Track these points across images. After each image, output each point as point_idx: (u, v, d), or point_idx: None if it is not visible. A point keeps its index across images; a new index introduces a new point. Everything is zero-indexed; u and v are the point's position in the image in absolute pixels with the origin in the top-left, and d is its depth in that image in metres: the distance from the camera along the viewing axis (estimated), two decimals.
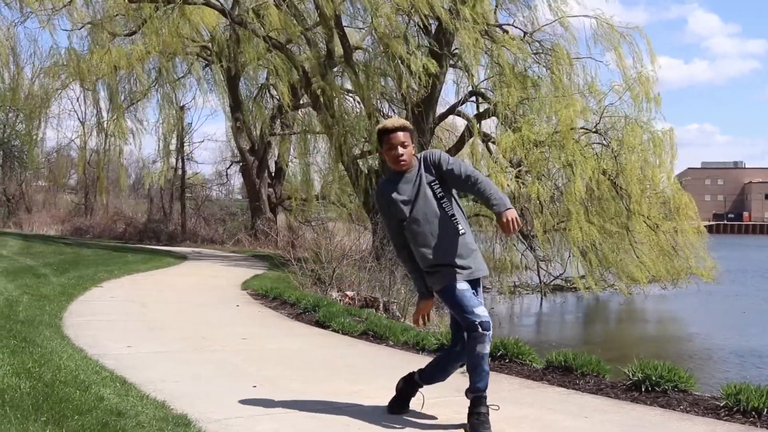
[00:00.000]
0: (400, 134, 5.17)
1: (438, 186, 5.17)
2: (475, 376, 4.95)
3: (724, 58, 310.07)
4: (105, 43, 27.14)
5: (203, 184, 42.80)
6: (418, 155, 5.34)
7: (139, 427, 4.59)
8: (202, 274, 18.00)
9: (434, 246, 5.10)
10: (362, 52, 23.56)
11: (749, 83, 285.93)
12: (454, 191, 5.26)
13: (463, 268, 5.09)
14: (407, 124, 5.31)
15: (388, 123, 5.30)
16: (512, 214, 4.91)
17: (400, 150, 5.16)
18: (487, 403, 4.98)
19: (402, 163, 5.18)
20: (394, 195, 5.19)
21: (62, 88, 32.38)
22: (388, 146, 5.19)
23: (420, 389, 5.50)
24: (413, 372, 5.51)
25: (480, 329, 4.85)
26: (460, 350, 5.19)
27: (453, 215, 5.14)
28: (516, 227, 4.91)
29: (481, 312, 4.92)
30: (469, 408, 5.00)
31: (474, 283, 5.16)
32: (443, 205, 5.15)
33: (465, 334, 5.01)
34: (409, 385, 5.50)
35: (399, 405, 5.49)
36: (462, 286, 5.03)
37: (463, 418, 5.02)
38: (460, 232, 5.12)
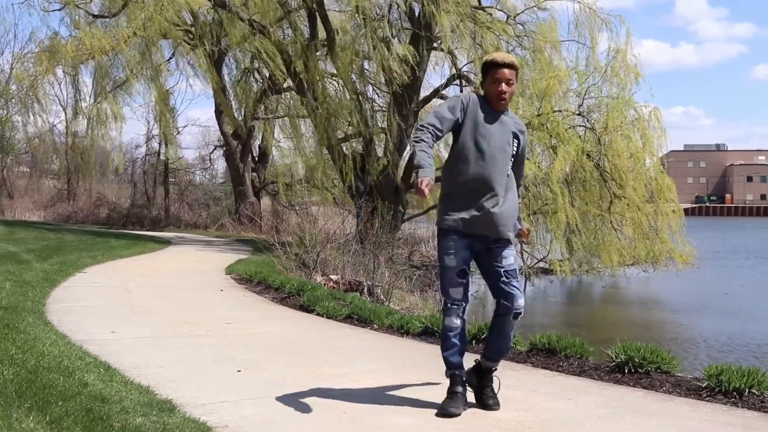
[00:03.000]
0: (507, 71, 4.99)
1: (517, 145, 5.12)
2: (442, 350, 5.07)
3: (710, 41, 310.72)
4: (85, 25, 26.89)
5: (187, 168, 42.64)
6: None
7: (123, 412, 4.58)
8: (186, 259, 17.96)
9: (475, 185, 4.98)
10: (345, 35, 23.43)
11: (735, 67, 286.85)
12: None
13: (471, 225, 4.98)
14: (516, 61, 5.14)
15: (498, 56, 5.10)
16: None
17: (504, 87, 5.00)
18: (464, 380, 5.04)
19: (503, 100, 5.03)
20: (479, 115, 5.01)
21: (45, 72, 32.09)
22: (492, 80, 5.01)
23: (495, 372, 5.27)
24: (477, 362, 5.27)
25: (448, 304, 4.97)
26: (499, 309, 5.08)
27: (509, 175, 5.09)
28: None
29: (454, 294, 4.95)
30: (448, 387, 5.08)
31: (485, 240, 5.04)
32: (509, 163, 5.08)
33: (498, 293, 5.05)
34: (479, 376, 5.24)
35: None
36: (451, 262, 4.97)
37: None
38: (499, 194, 5.00)
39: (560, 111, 20.68)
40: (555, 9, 22.42)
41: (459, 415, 4.90)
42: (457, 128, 5.02)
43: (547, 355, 6.87)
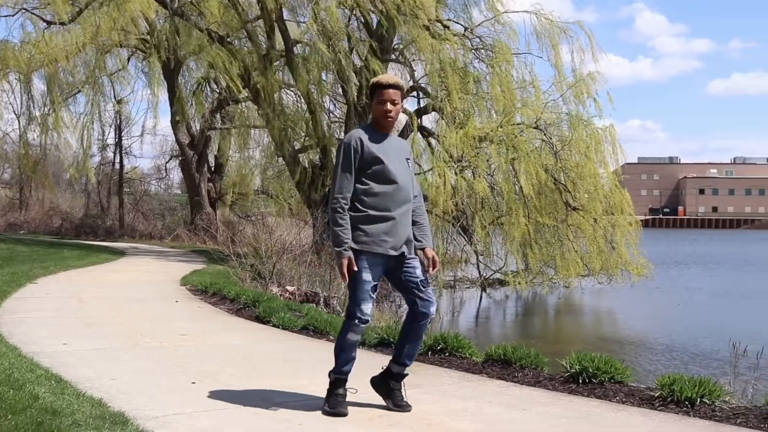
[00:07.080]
0: (391, 91, 5.27)
1: (411, 163, 5.40)
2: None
3: (668, 56, 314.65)
4: (38, 33, 26.58)
5: (142, 178, 42.27)
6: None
7: (75, 425, 4.51)
8: (140, 270, 17.78)
9: (393, 212, 5.18)
10: (303, 46, 23.42)
11: (691, 82, 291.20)
12: None
13: (394, 248, 5.21)
14: (400, 82, 5.43)
15: (383, 78, 5.42)
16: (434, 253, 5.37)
17: (389, 106, 5.26)
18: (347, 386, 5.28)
19: (389, 119, 5.29)
20: (371, 145, 5.21)
21: None
22: (378, 101, 5.28)
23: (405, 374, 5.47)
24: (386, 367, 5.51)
25: (356, 322, 5.18)
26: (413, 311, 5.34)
27: (416, 196, 5.36)
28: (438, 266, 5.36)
29: (366, 309, 5.17)
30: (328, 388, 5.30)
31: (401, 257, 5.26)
32: (412, 178, 5.36)
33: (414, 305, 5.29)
34: (386, 379, 5.49)
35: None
36: (366, 276, 5.12)
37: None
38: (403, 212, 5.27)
39: (519, 125, 20.83)
40: (513, 21, 22.46)
41: (347, 414, 5.14)
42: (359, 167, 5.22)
43: (502, 366, 6.90)
